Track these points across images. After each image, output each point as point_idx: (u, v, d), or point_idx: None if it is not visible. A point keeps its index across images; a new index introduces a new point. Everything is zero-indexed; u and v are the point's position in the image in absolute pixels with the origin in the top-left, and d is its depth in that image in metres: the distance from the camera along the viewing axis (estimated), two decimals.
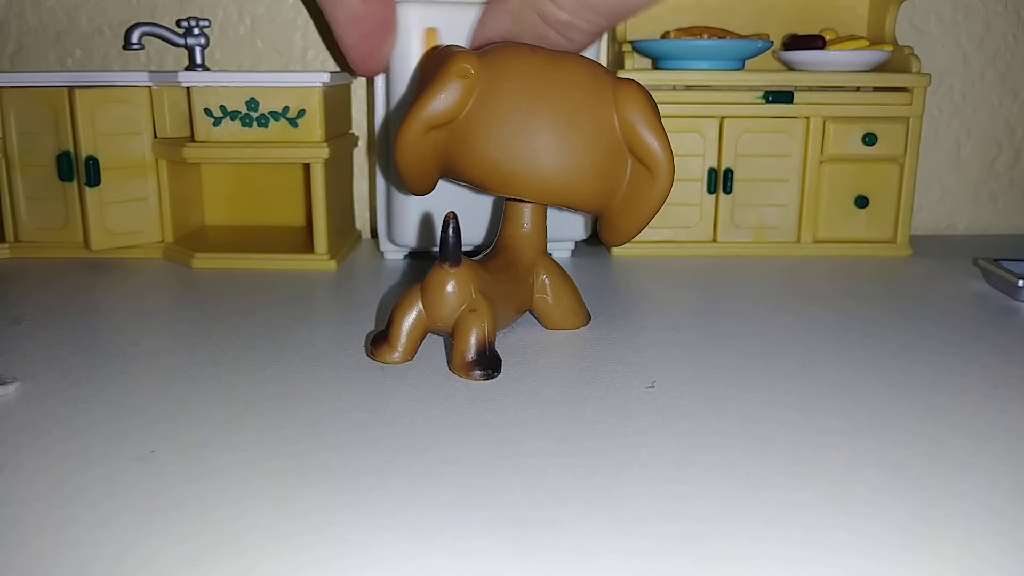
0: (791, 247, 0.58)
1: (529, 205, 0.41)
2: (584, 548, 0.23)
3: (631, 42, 0.57)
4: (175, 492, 0.26)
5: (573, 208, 0.40)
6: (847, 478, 0.27)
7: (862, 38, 0.59)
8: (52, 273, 0.52)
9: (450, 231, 0.35)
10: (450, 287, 0.36)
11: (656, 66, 0.58)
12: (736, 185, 0.57)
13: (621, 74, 0.55)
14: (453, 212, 0.36)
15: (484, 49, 0.40)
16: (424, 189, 0.42)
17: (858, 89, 0.57)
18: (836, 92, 0.56)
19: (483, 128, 0.38)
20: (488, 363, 0.35)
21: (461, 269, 0.36)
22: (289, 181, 0.63)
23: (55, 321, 0.43)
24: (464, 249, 0.39)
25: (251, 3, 0.64)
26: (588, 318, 0.43)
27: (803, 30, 0.62)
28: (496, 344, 0.37)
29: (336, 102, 0.57)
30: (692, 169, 0.56)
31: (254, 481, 0.27)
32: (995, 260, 0.50)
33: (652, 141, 0.38)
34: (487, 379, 0.35)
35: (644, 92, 0.39)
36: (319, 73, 0.53)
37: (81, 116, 0.53)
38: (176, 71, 0.54)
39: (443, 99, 0.38)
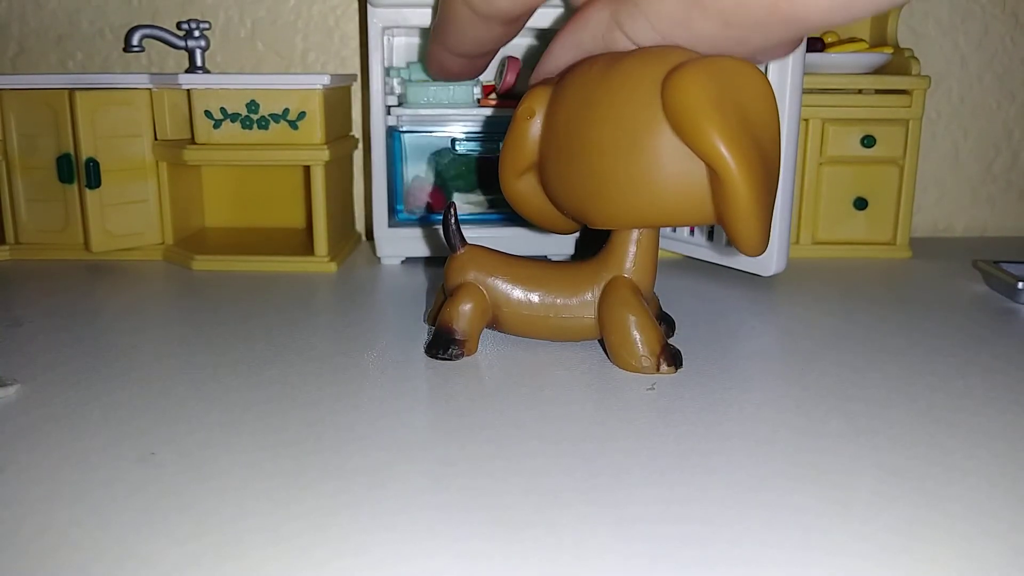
0: (790, 248, 0.58)
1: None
2: (584, 549, 0.23)
3: None
4: (176, 494, 0.26)
5: (663, 225, 0.36)
6: (847, 480, 0.27)
7: (862, 40, 0.59)
8: (53, 275, 0.52)
9: (450, 220, 0.39)
10: (448, 270, 0.39)
11: None
12: None
13: None
14: (452, 202, 0.38)
15: (560, 74, 0.37)
16: (564, 229, 0.41)
17: (860, 91, 0.57)
18: (834, 94, 0.57)
19: (545, 163, 0.37)
20: (435, 344, 0.38)
21: (459, 256, 0.39)
22: (289, 183, 0.63)
23: (56, 323, 0.43)
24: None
25: (252, 6, 0.65)
26: (643, 366, 0.36)
27: None
28: (457, 331, 0.38)
29: (336, 104, 0.58)
30: None
31: (255, 482, 0.27)
32: (994, 262, 0.50)
33: (704, 140, 0.32)
34: (434, 358, 0.38)
35: (694, 81, 0.31)
36: (319, 75, 0.53)
37: (82, 118, 0.53)
38: (176, 73, 0.55)
39: (515, 143, 0.38)
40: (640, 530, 0.24)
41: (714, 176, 0.33)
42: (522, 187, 0.39)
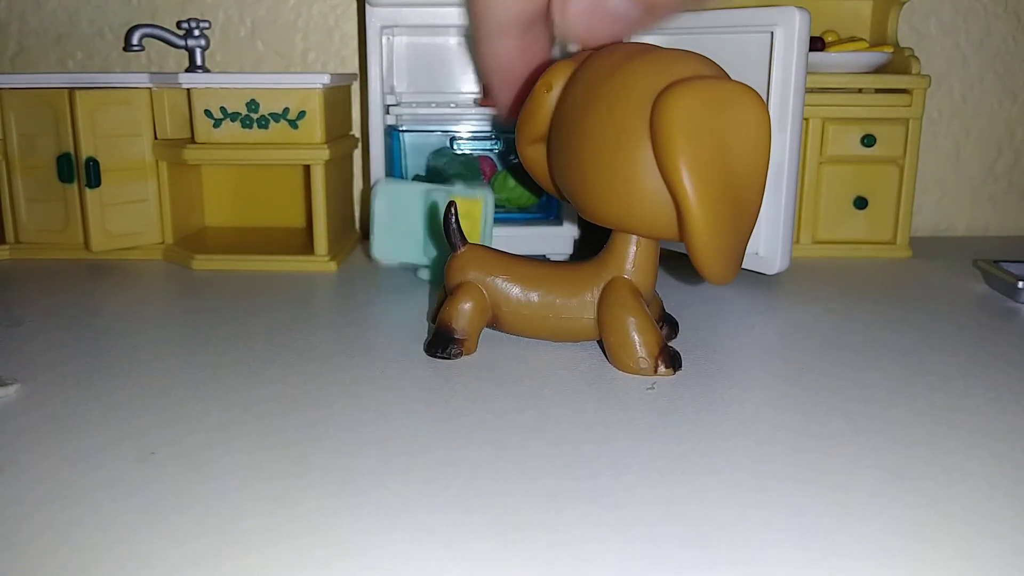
0: None
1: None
2: (584, 550, 0.23)
3: None
4: (176, 494, 0.26)
5: (634, 233, 0.36)
6: (847, 480, 0.27)
7: (862, 40, 0.59)
8: (52, 275, 0.52)
9: (451, 219, 0.39)
10: (448, 269, 0.39)
11: None
12: None
13: None
14: (453, 201, 0.39)
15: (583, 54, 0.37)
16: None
17: (860, 91, 0.57)
18: (834, 93, 0.56)
19: (550, 139, 0.38)
20: (434, 343, 0.38)
21: (460, 255, 0.39)
22: (289, 183, 0.63)
23: (55, 323, 0.43)
24: None
25: (252, 5, 0.64)
26: (641, 368, 0.36)
27: None
28: (457, 330, 0.38)
29: (336, 104, 0.58)
30: None
31: (255, 483, 0.27)
32: (995, 262, 0.50)
33: (668, 164, 0.31)
34: (433, 356, 0.38)
35: (680, 103, 0.31)
36: (319, 75, 0.53)
37: (81, 118, 0.53)
38: (176, 72, 0.55)
39: (530, 113, 0.38)
40: (640, 530, 0.24)
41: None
42: (533, 153, 0.40)
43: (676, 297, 0.48)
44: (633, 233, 0.36)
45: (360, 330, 0.42)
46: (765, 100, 0.37)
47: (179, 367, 0.37)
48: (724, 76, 0.34)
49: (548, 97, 0.37)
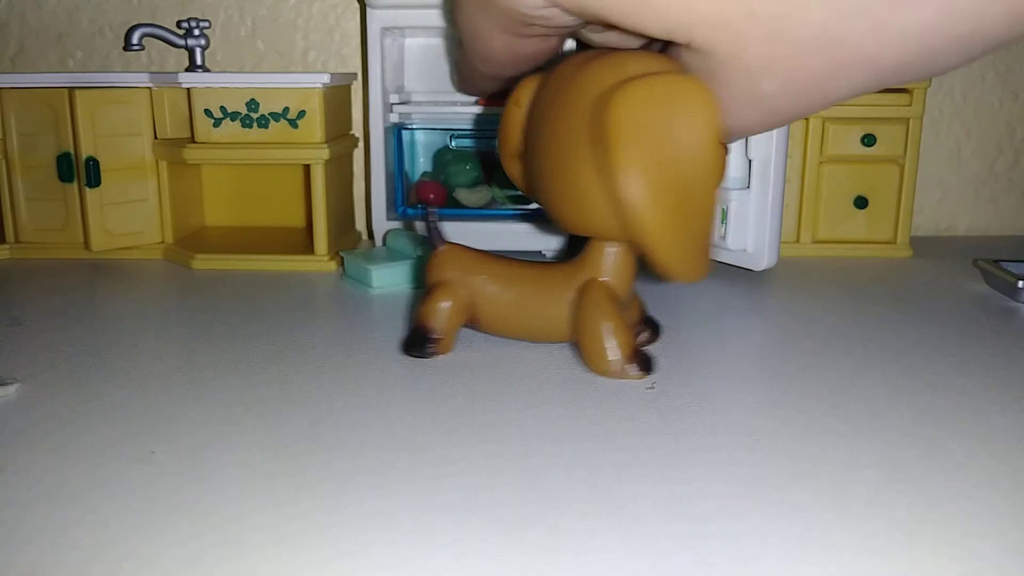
0: (791, 247, 0.58)
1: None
2: (584, 549, 0.23)
3: None
4: (176, 493, 0.26)
5: (601, 239, 0.35)
6: (847, 478, 0.27)
7: None
8: (53, 274, 0.52)
9: (427, 221, 0.39)
10: (428, 267, 0.39)
11: None
12: None
13: None
14: (431, 208, 0.39)
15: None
16: None
17: None
18: None
19: (525, 157, 0.38)
20: (411, 341, 0.38)
21: (439, 253, 0.39)
22: (289, 182, 0.63)
23: (55, 322, 0.43)
24: None
25: (252, 4, 0.64)
26: (612, 371, 0.35)
27: None
28: (433, 329, 0.38)
29: (336, 103, 0.58)
30: None
31: (254, 482, 0.27)
32: (995, 261, 0.50)
33: (613, 181, 0.31)
34: (408, 355, 0.38)
35: (623, 104, 0.30)
36: (320, 74, 0.53)
37: (81, 117, 0.53)
38: (176, 72, 0.55)
39: (504, 128, 0.39)
40: (640, 530, 0.24)
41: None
42: (517, 169, 0.40)
43: (676, 298, 0.48)
44: (600, 239, 0.36)
45: (360, 330, 0.42)
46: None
47: (179, 367, 0.37)
48: (677, 71, 0.32)
49: (518, 112, 0.38)
